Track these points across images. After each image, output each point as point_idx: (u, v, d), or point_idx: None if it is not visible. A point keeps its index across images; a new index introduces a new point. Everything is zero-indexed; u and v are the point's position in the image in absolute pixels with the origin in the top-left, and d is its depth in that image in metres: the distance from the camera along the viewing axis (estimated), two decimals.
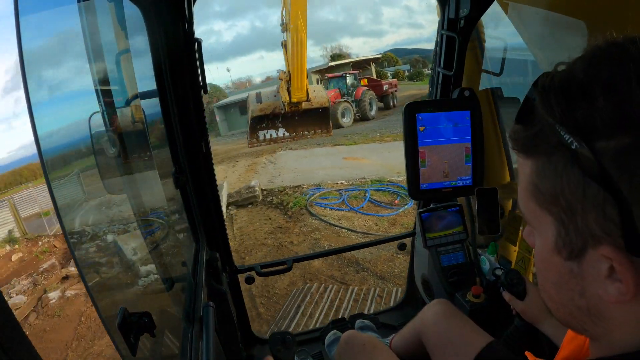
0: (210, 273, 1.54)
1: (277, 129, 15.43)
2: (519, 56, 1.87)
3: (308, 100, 14.76)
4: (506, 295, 1.31)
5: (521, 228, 1.78)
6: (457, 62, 1.71)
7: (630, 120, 0.36)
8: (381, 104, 20.19)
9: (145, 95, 1.32)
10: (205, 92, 1.53)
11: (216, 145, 15.44)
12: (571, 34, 1.39)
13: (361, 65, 24.96)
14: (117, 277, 1.04)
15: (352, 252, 5.11)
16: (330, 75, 20.19)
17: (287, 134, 15.50)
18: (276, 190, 8.98)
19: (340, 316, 2.08)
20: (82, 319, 5.72)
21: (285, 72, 14.51)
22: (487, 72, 1.90)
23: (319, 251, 2.55)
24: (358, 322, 2.00)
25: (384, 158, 10.43)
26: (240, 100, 23.37)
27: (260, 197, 8.75)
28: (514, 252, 1.80)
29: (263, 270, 1.90)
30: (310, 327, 3.54)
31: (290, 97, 14.44)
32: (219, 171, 12.42)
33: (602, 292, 0.42)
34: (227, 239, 1.84)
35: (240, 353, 1.79)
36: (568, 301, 0.46)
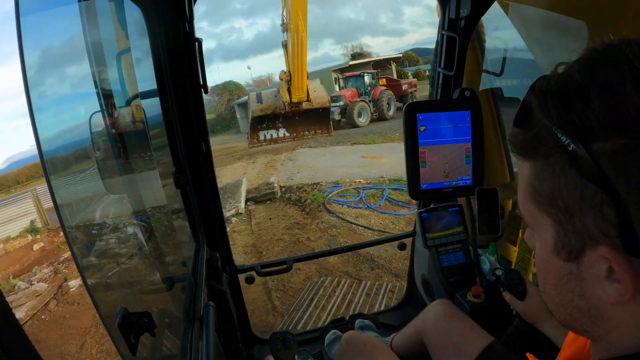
0: (211, 273, 1.54)
1: (277, 129, 15.42)
2: (520, 56, 1.87)
3: (308, 100, 14.75)
4: (507, 296, 1.31)
5: (521, 229, 1.78)
6: (457, 62, 1.70)
7: (626, 122, 0.36)
8: (400, 104, 19.81)
9: (146, 95, 1.32)
10: (206, 92, 1.53)
11: (236, 142, 15.57)
12: (571, 34, 1.39)
13: (382, 64, 24.69)
14: (117, 277, 1.04)
15: (368, 250, 5.13)
16: (348, 74, 20.01)
17: (287, 134, 15.49)
18: (295, 187, 9.04)
19: (352, 310, 2.08)
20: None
21: (285, 72, 14.51)
22: (488, 72, 1.90)
23: (319, 251, 2.54)
24: (358, 321, 2.00)
25: (402, 157, 10.28)
26: None
27: (279, 194, 8.82)
28: (514, 252, 1.80)
29: (263, 270, 1.90)
30: (323, 320, 3.59)
31: (290, 97, 14.43)
32: (239, 167, 12.62)
33: (601, 293, 0.42)
34: (227, 238, 1.84)
35: (240, 353, 1.79)
36: (568, 302, 0.47)
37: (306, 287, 4.52)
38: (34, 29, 0.75)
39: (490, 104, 1.94)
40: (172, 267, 1.27)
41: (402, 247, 2.20)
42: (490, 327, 1.30)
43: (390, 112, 18.52)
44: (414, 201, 7.15)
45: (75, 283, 6.51)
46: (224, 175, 11.67)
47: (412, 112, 1.65)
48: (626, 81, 0.37)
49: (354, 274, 4.81)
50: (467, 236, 1.77)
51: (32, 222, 10.69)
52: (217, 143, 19.47)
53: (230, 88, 28.74)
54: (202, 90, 1.51)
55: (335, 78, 20.11)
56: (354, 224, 6.62)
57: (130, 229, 1.17)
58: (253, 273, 1.91)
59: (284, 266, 1.94)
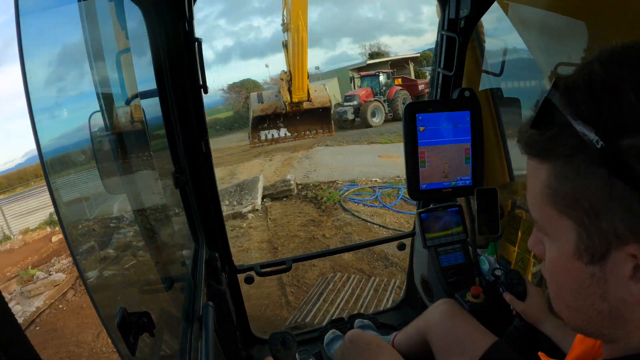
0: (210, 273, 1.54)
1: (278, 129, 15.43)
2: (520, 56, 1.87)
3: (309, 100, 14.76)
4: (507, 296, 1.32)
5: (520, 229, 1.79)
6: (457, 62, 1.71)
7: None
8: None
9: (146, 94, 1.32)
10: (206, 92, 1.53)
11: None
12: (571, 35, 1.39)
13: (399, 64, 24.42)
14: (117, 277, 1.04)
15: (382, 247, 5.17)
16: (363, 73, 19.81)
17: (288, 134, 15.49)
18: (311, 184, 9.09)
19: (360, 305, 2.07)
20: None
21: (286, 72, 14.51)
22: (488, 72, 1.90)
23: (319, 251, 2.54)
24: (357, 321, 2.00)
25: None
26: None
27: (295, 191, 8.89)
28: (513, 252, 1.80)
29: (262, 270, 1.90)
30: (329, 316, 3.62)
31: (291, 97, 14.44)
32: (255, 164, 12.68)
33: (625, 294, 0.42)
34: (226, 238, 1.84)
35: (239, 353, 1.80)
36: (588, 307, 0.45)
37: (317, 282, 4.62)
38: (34, 28, 0.75)
39: (490, 104, 1.94)
40: (172, 267, 1.27)
41: (401, 247, 2.20)
42: (490, 327, 1.30)
43: None
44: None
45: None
46: (240, 172, 11.78)
47: (412, 112, 1.65)
48: None
49: (367, 271, 4.87)
50: (467, 236, 1.77)
51: (50, 214, 10.92)
52: (235, 140, 19.63)
53: (248, 86, 28.76)
54: (202, 90, 1.52)
55: (350, 77, 19.85)
56: (369, 222, 6.67)
57: (129, 229, 1.17)
58: (252, 273, 1.91)
59: (283, 266, 1.94)
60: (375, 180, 8.80)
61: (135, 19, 1.25)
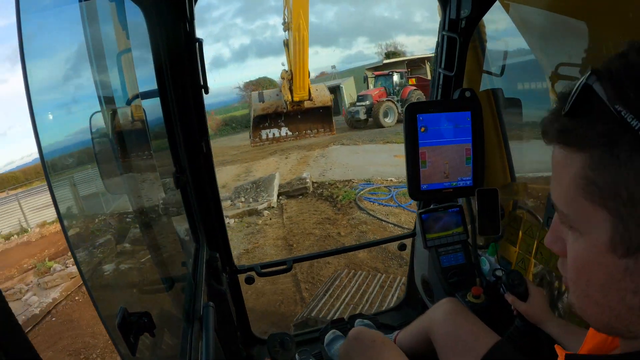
0: (210, 273, 1.54)
1: (279, 128, 15.45)
2: (521, 57, 1.87)
3: (310, 99, 14.77)
4: (509, 297, 1.32)
5: (521, 229, 1.78)
6: (458, 62, 1.70)
7: None
8: None
9: (146, 95, 1.33)
10: (207, 92, 1.53)
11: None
12: (572, 35, 1.39)
13: (416, 63, 24.27)
14: (117, 277, 1.04)
15: (396, 246, 5.27)
16: (377, 73, 19.69)
17: (289, 133, 15.51)
18: (327, 183, 9.17)
19: (366, 300, 2.06)
20: None
21: (287, 71, 14.53)
22: (488, 72, 1.90)
23: (319, 251, 2.54)
24: (357, 321, 2.00)
25: None
26: None
27: (311, 189, 8.97)
28: (514, 253, 1.80)
29: (263, 271, 1.90)
30: (337, 309, 3.67)
31: (292, 96, 14.45)
32: (271, 162, 12.73)
33: None
34: (227, 239, 1.84)
35: (239, 353, 1.80)
36: (617, 303, 0.44)
37: (326, 280, 4.66)
38: (35, 28, 0.75)
39: (492, 105, 1.94)
40: (172, 267, 1.27)
41: (402, 247, 2.20)
42: (491, 327, 1.30)
43: None
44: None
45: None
46: (256, 170, 11.86)
47: (413, 112, 1.65)
48: None
49: (382, 270, 4.91)
50: (467, 237, 1.77)
51: (68, 208, 11.09)
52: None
53: (264, 84, 28.83)
54: (203, 90, 1.52)
55: (364, 77, 19.72)
56: (385, 221, 6.73)
57: (130, 229, 1.17)
58: (253, 273, 1.91)
59: (284, 266, 1.94)
60: (391, 180, 8.85)
61: (136, 20, 1.25)
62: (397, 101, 17.23)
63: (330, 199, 8.31)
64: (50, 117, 0.81)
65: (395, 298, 3.79)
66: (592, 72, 0.41)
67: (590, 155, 0.41)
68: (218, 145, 17.26)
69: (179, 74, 1.43)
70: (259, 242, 6.87)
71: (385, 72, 19.10)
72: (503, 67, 1.86)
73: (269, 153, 14.13)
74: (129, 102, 1.16)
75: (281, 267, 1.95)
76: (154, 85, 1.36)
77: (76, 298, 6.12)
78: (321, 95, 15.30)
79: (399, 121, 16.97)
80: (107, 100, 0.99)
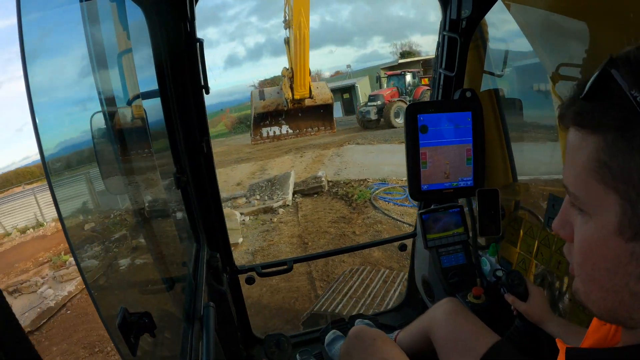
0: (211, 273, 1.54)
1: (280, 126, 15.46)
2: (522, 57, 1.86)
3: (311, 97, 14.77)
4: (509, 297, 1.32)
5: (522, 229, 1.78)
6: (458, 63, 1.70)
7: None
8: None
9: (147, 95, 1.33)
10: (207, 92, 1.53)
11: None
12: (573, 35, 1.39)
13: (431, 63, 24.17)
14: (118, 277, 1.04)
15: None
16: (389, 72, 19.63)
17: (290, 131, 15.52)
18: (342, 182, 9.20)
19: (368, 294, 2.05)
20: None
21: (288, 69, 14.53)
22: (489, 73, 1.90)
23: (319, 252, 2.54)
24: (357, 321, 2.00)
25: None
26: None
27: (326, 188, 9.02)
28: (514, 253, 1.80)
29: (263, 271, 1.90)
30: (339, 303, 3.71)
31: (292, 94, 14.46)
32: (286, 160, 12.84)
33: None
34: (227, 239, 1.84)
35: (240, 353, 1.80)
36: (622, 287, 0.45)
37: (335, 278, 4.71)
38: (35, 28, 0.75)
39: (494, 105, 1.94)
40: (173, 268, 1.27)
41: (402, 248, 2.20)
42: (491, 328, 1.30)
43: None
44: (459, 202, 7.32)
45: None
46: (271, 168, 11.94)
47: (414, 113, 1.65)
48: None
49: (397, 269, 4.95)
50: (468, 237, 1.77)
51: (83, 203, 11.37)
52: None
53: (278, 82, 28.93)
54: (204, 90, 1.52)
55: (377, 77, 19.71)
56: (400, 221, 6.76)
57: (131, 229, 1.18)
58: (253, 274, 1.91)
59: (284, 267, 1.94)
60: (406, 180, 8.84)
61: (136, 20, 1.25)
62: (409, 101, 17.07)
63: (346, 197, 8.35)
64: (51, 117, 0.81)
65: (397, 293, 3.85)
66: (611, 59, 0.43)
67: (605, 139, 0.42)
68: (233, 142, 17.30)
69: (180, 74, 1.43)
70: (274, 239, 6.92)
71: (398, 71, 19.05)
72: (504, 67, 1.85)
73: (284, 151, 14.23)
74: (129, 102, 1.16)
75: (282, 268, 1.95)
76: (154, 86, 1.36)
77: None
78: (322, 93, 15.31)
79: None
80: (107, 100, 0.99)
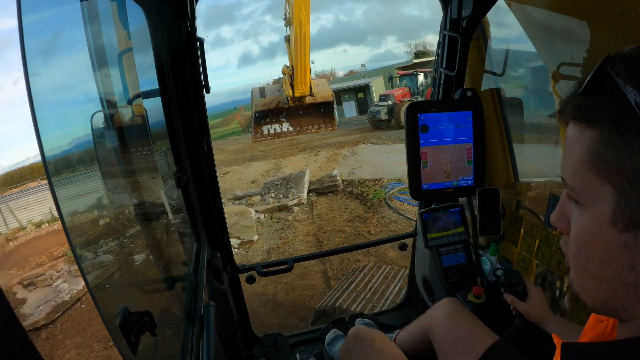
0: (211, 272, 1.55)
1: (281, 123, 15.46)
2: (524, 56, 1.86)
3: (311, 94, 14.76)
4: (508, 297, 1.32)
5: (523, 227, 1.78)
6: (459, 62, 1.70)
7: None
8: None
9: (147, 94, 1.33)
10: (208, 91, 1.53)
11: (299, 135, 16.04)
12: (574, 35, 1.39)
13: None
14: (118, 277, 1.05)
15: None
16: (401, 72, 19.52)
17: (291, 129, 15.52)
18: (356, 181, 9.23)
19: (369, 289, 2.05)
20: None
21: (288, 67, 14.52)
22: (489, 72, 1.89)
23: (320, 251, 2.54)
24: (358, 321, 2.00)
25: None
26: None
27: (341, 187, 9.05)
28: (515, 252, 1.80)
29: (264, 270, 1.90)
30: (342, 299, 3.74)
31: (293, 92, 14.46)
32: (301, 159, 12.90)
33: None
34: (228, 238, 1.84)
35: (240, 352, 1.80)
36: (615, 278, 0.46)
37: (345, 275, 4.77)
38: (35, 28, 0.75)
39: (496, 104, 1.94)
40: (173, 267, 1.27)
41: (403, 247, 2.20)
42: (491, 327, 1.30)
43: None
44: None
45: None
46: (285, 167, 11.99)
47: (414, 112, 1.65)
48: None
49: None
50: (468, 236, 1.77)
51: (98, 199, 11.64)
52: None
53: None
54: (204, 90, 1.52)
55: (389, 77, 19.47)
56: (415, 220, 6.75)
57: (131, 229, 1.18)
58: (254, 273, 1.91)
59: (285, 266, 1.94)
60: None
61: (137, 19, 1.25)
62: None
63: (361, 197, 8.37)
64: (52, 116, 0.81)
65: (397, 288, 3.89)
66: (608, 56, 0.44)
67: (601, 132, 0.44)
68: (247, 140, 17.40)
69: (180, 74, 1.43)
70: (289, 237, 6.95)
71: (410, 71, 18.87)
72: (504, 67, 1.85)
73: (298, 150, 14.30)
74: (130, 102, 1.16)
75: (282, 267, 1.95)
76: (155, 85, 1.36)
77: (106, 286, 6.18)
78: (322, 91, 15.28)
79: None
80: (108, 100, 0.99)
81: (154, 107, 1.38)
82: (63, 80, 0.92)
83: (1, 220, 13.80)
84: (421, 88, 17.60)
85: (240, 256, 6.69)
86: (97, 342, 5.07)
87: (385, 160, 11.04)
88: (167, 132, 1.44)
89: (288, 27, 14.05)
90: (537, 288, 1.31)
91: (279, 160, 13.11)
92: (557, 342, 0.55)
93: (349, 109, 24.51)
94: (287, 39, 14.34)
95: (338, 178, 9.18)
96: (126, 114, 1.14)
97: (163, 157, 1.46)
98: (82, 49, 0.90)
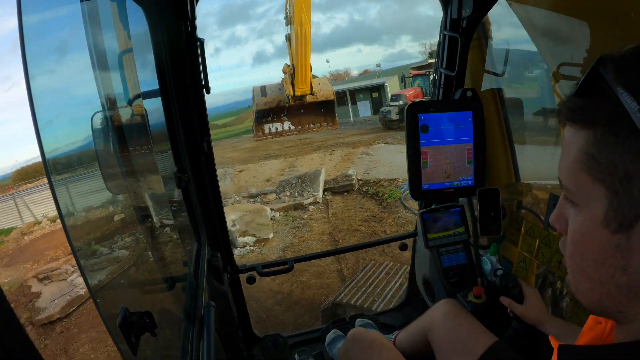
0: (212, 272, 1.55)
1: (282, 122, 15.47)
2: (524, 56, 1.86)
3: (312, 93, 14.77)
4: (505, 300, 1.32)
5: (523, 227, 1.78)
6: (459, 62, 1.70)
7: None
8: None
9: (148, 95, 1.33)
10: (208, 92, 1.53)
11: (312, 134, 16.14)
12: (574, 35, 1.39)
13: None
14: (119, 276, 1.05)
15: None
16: (413, 72, 19.51)
17: (292, 127, 15.53)
18: (371, 181, 9.23)
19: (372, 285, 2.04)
20: None
21: (289, 66, 14.53)
22: (489, 72, 1.89)
23: (320, 251, 2.54)
24: (358, 321, 2.00)
25: None
26: (337, 91, 23.66)
27: (356, 186, 9.07)
28: (515, 253, 1.80)
29: (264, 270, 1.90)
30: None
31: (294, 90, 14.46)
32: (316, 158, 12.94)
33: None
34: (228, 238, 1.84)
35: (241, 353, 1.80)
36: (608, 279, 0.46)
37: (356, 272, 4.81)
38: (36, 28, 0.75)
39: (497, 104, 1.94)
40: (173, 267, 1.27)
41: (403, 247, 2.20)
42: (492, 327, 1.30)
43: None
44: None
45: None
46: (300, 165, 12.05)
47: (414, 112, 1.65)
48: None
49: None
50: (469, 237, 1.77)
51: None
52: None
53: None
54: (205, 90, 1.52)
55: (402, 76, 19.63)
56: None
57: (131, 229, 1.18)
58: (254, 273, 1.91)
59: (285, 266, 1.94)
60: None
61: (137, 19, 1.25)
62: None
63: (376, 197, 8.39)
64: (52, 116, 0.81)
65: (398, 284, 3.93)
66: (601, 58, 0.45)
67: (594, 133, 0.44)
68: (261, 139, 17.42)
69: (180, 74, 1.43)
70: (305, 236, 6.99)
71: (422, 71, 18.85)
72: (505, 67, 1.85)
73: (313, 149, 14.33)
74: (130, 102, 1.16)
75: (282, 267, 1.95)
76: (155, 85, 1.36)
77: (121, 281, 6.25)
78: (323, 90, 15.29)
79: None
80: (108, 100, 0.99)
81: (154, 107, 1.38)
82: (63, 80, 0.92)
83: (17, 215, 13.92)
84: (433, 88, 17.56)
85: (255, 254, 6.71)
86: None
87: (400, 160, 11.06)
88: (168, 132, 1.44)
89: (289, 26, 14.06)
90: (533, 290, 1.31)
91: (293, 158, 13.14)
92: (554, 344, 0.55)
93: (364, 108, 24.48)
94: (288, 38, 14.35)
95: (353, 177, 9.20)
96: (126, 114, 1.14)
97: (163, 157, 1.46)
98: (82, 49, 0.90)
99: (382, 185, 8.80)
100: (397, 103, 16.79)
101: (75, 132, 0.94)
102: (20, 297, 7.07)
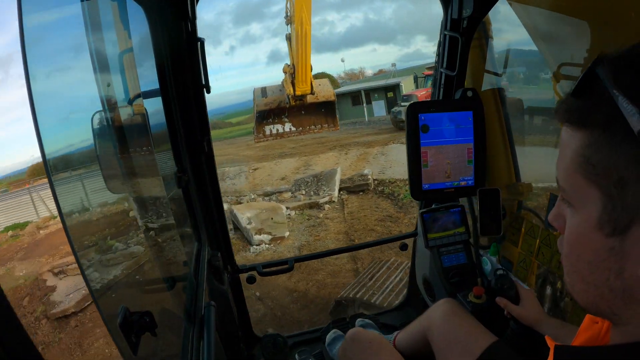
0: (212, 272, 1.55)
1: (283, 123, 15.41)
2: (525, 56, 1.86)
3: (312, 93, 14.72)
4: (501, 301, 1.32)
5: (523, 227, 1.78)
6: (459, 62, 1.70)
7: None
8: None
9: (148, 94, 1.33)
10: (208, 91, 1.53)
11: (326, 132, 16.09)
12: (575, 35, 1.38)
13: None
14: (119, 276, 1.05)
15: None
16: (426, 72, 19.36)
17: (293, 129, 15.48)
18: (387, 180, 9.24)
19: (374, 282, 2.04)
20: None
21: (289, 66, 14.49)
22: (490, 72, 1.89)
23: (320, 251, 2.54)
24: (358, 321, 2.00)
25: None
26: (351, 91, 23.61)
27: (372, 186, 9.06)
28: (515, 253, 1.80)
29: (264, 270, 1.90)
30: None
31: (294, 90, 14.43)
32: (331, 157, 13.02)
33: None
34: (228, 238, 1.84)
35: (241, 352, 1.80)
36: (602, 282, 0.46)
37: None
38: (36, 28, 0.75)
39: (498, 104, 1.93)
40: (174, 267, 1.27)
41: (403, 247, 2.20)
42: (492, 327, 1.30)
43: None
44: None
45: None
46: (315, 164, 12.11)
47: (415, 112, 1.65)
48: None
49: None
50: (469, 237, 1.77)
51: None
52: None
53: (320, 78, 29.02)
54: (205, 90, 1.52)
55: (414, 77, 19.49)
56: None
57: (132, 229, 1.18)
58: (254, 273, 1.91)
59: (285, 266, 1.94)
60: None
61: (137, 19, 1.25)
62: None
63: (392, 196, 8.38)
64: (52, 116, 0.81)
65: (398, 279, 3.95)
66: (598, 58, 0.44)
67: (590, 135, 0.44)
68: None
69: (181, 74, 1.43)
70: (320, 235, 6.99)
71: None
72: (505, 66, 1.85)
73: (328, 148, 14.39)
74: (130, 102, 1.16)
75: (282, 267, 1.95)
76: (155, 85, 1.36)
77: (136, 277, 6.33)
78: (324, 90, 15.22)
79: None
80: (108, 100, 0.99)
81: (154, 107, 1.38)
82: (63, 80, 0.92)
83: (32, 209, 13.92)
84: None
85: (271, 252, 6.69)
86: None
87: None
88: (168, 132, 1.44)
89: (289, 26, 14.02)
90: (529, 291, 1.31)
91: (308, 157, 13.18)
92: (550, 344, 0.55)
93: (379, 108, 24.45)
94: (288, 38, 14.31)
95: (369, 177, 9.19)
96: (127, 113, 1.14)
97: (164, 157, 1.46)
98: (82, 49, 0.90)
99: (398, 186, 8.79)
100: (408, 103, 16.73)
101: (75, 131, 0.94)
102: (35, 290, 7.08)
